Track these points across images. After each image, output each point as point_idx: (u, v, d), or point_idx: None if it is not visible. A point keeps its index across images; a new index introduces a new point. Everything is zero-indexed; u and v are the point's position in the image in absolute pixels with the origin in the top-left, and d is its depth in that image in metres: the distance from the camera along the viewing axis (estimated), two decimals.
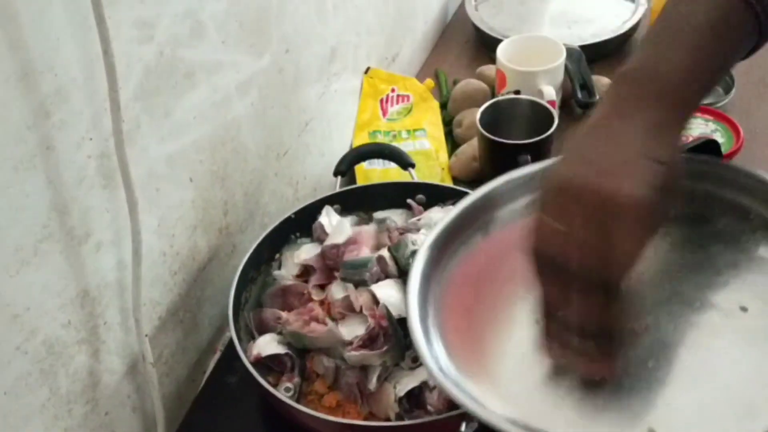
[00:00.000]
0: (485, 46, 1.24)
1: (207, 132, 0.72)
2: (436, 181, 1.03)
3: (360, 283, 0.70)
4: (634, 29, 1.23)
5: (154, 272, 0.68)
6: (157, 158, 0.66)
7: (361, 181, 0.98)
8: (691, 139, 0.98)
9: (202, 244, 0.75)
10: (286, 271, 0.76)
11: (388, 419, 0.66)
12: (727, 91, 1.11)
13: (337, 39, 0.95)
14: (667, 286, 0.56)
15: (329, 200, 0.81)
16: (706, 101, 1.09)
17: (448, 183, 1.03)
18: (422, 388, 0.65)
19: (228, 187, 0.77)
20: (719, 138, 1.00)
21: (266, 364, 0.69)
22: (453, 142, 1.09)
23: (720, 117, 1.03)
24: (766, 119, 1.08)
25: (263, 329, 0.72)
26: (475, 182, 1.02)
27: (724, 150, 0.97)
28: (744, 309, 0.54)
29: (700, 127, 1.02)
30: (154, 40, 0.62)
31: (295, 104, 0.87)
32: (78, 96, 0.55)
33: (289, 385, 0.67)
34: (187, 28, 0.66)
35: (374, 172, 1.01)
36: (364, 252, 0.74)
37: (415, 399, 0.66)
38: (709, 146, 0.90)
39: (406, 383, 0.66)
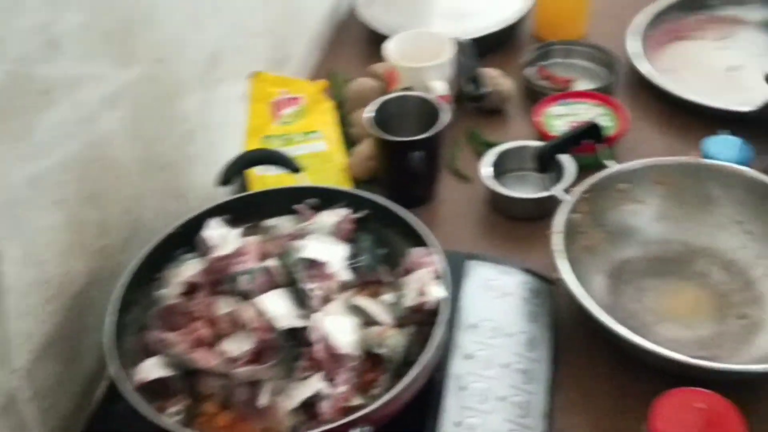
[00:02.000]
0: (378, 43, 1.23)
1: (73, 150, 0.68)
2: (334, 182, 1.02)
3: (246, 296, 0.68)
4: (521, 21, 1.25)
5: (23, 304, 0.64)
6: (16, 183, 0.62)
7: (254, 189, 0.96)
8: (575, 124, 1.01)
9: (78, 269, 0.71)
10: (170, 290, 0.73)
11: None
12: (612, 73, 1.13)
13: (218, 44, 0.92)
14: None
15: (215, 211, 0.78)
16: (593, 86, 1.11)
17: (347, 184, 1.02)
18: (315, 398, 0.64)
19: (103, 207, 0.74)
20: (606, 122, 1.02)
21: (153, 389, 0.66)
22: (350, 142, 1.08)
23: (605, 101, 1.06)
24: (651, 100, 1.11)
25: (148, 353, 0.69)
26: (373, 181, 1.02)
27: (610, 133, 1.00)
28: None
29: (586, 112, 1.04)
30: (3, 58, 0.58)
31: (175, 114, 0.84)
32: None
33: (177, 408, 0.65)
34: (40, 44, 0.62)
35: (268, 178, 0.99)
36: (252, 263, 0.72)
37: (309, 410, 0.64)
38: (592, 130, 0.92)
39: (298, 395, 0.64)
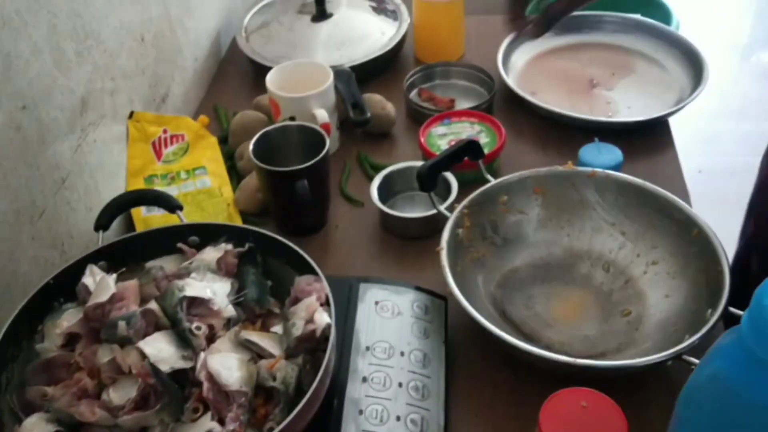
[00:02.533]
0: (262, 76, 1.23)
1: None
2: (223, 217, 1.01)
3: (125, 342, 0.66)
4: (400, 44, 1.28)
5: None
6: None
7: (139, 230, 0.94)
8: (454, 142, 1.04)
9: None
10: (50, 343, 0.70)
11: None
12: (490, 92, 1.17)
13: (86, 87, 0.90)
14: None
15: (94, 257, 0.76)
16: (471, 104, 1.15)
17: (236, 218, 1.01)
18: None
19: None
20: (484, 138, 1.06)
21: None
22: (237, 176, 1.08)
23: (484, 118, 1.09)
24: (527, 115, 1.16)
25: (30, 410, 0.66)
26: (261, 214, 1.02)
27: (488, 149, 1.03)
28: None
29: (466, 130, 1.07)
30: None
31: (45, 161, 0.81)
32: None
33: None
34: None
35: (154, 219, 0.97)
36: (132, 307, 0.70)
37: None
38: (471, 147, 0.95)
39: None
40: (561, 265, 0.92)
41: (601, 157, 0.98)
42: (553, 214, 0.94)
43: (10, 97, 0.75)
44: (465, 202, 0.89)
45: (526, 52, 1.27)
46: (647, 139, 1.11)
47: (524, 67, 1.25)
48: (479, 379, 0.81)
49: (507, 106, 1.18)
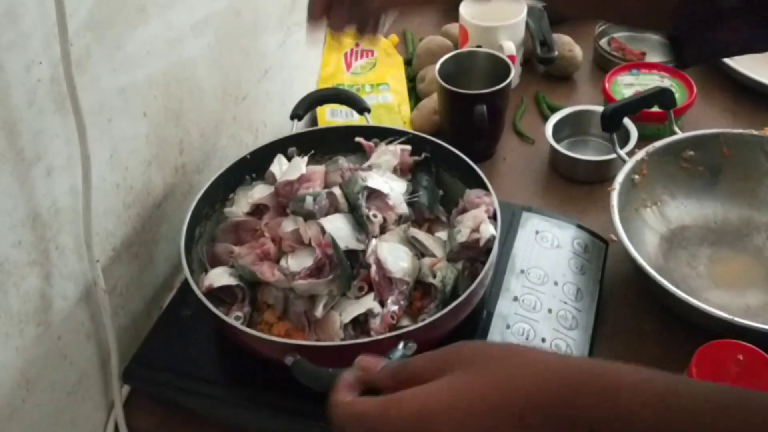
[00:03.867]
0: (452, 6, 1.25)
1: (161, 68, 0.73)
2: None
3: (309, 216, 0.72)
4: None
5: (107, 203, 0.70)
6: (108, 89, 0.67)
7: None
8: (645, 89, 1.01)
9: (158, 181, 0.77)
10: (238, 209, 0.78)
11: None
12: None
13: None
14: None
15: (285, 142, 0.83)
16: (661, 59, 1.11)
17: None
18: (367, 315, 0.68)
19: (184, 126, 0.79)
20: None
21: (218, 296, 0.71)
22: (416, 97, 1.11)
23: (675, 74, 1.06)
24: (721, 78, 1.10)
25: (216, 263, 0.74)
26: (435, 135, 1.05)
27: (677, 104, 1.00)
28: None
29: (654, 83, 1.04)
30: None
31: (254, 50, 0.89)
32: (27, 19, 0.57)
33: (239, 314, 0.69)
34: None
35: (336, 123, 1.03)
36: (318, 189, 0.76)
37: (360, 326, 0.68)
38: (663, 95, 0.92)
39: (351, 311, 0.68)
40: (734, 232, 0.88)
41: None
42: (738, 179, 0.90)
43: None
44: (648, 148, 0.87)
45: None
46: None
47: None
48: (627, 325, 0.81)
49: (700, 66, 1.13)
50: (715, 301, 0.82)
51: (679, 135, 0.89)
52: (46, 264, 0.64)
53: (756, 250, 0.87)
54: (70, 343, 0.69)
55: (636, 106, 0.89)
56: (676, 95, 1.02)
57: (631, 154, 0.89)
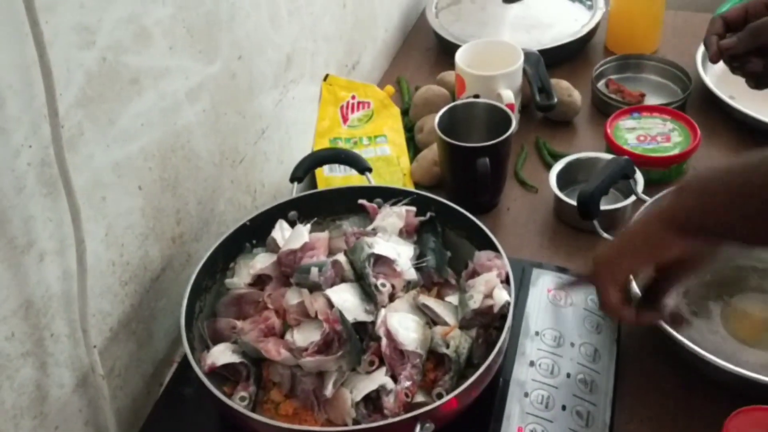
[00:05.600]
0: (446, 52, 1.24)
1: (156, 139, 0.71)
2: (397, 186, 1.03)
3: (315, 288, 0.69)
4: (592, 33, 1.24)
5: (103, 282, 0.67)
6: (102, 166, 0.64)
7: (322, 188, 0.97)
8: (643, 138, 1.00)
9: (155, 254, 0.74)
10: (239, 279, 0.75)
11: (345, 425, 0.64)
12: (685, 90, 1.12)
13: (293, 46, 0.94)
14: None
15: (285, 206, 0.80)
16: (662, 101, 1.10)
17: (410, 187, 1.03)
18: (379, 392, 0.64)
19: (180, 195, 0.76)
20: (676, 137, 1.01)
21: (221, 374, 0.68)
22: (415, 148, 1.09)
23: (677, 116, 1.04)
24: (723, 118, 1.09)
25: (218, 339, 0.71)
26: (436, 187, 1.03)
27: (679, 149, 0.98)
28: None
29: (657, 126, 1.03)
30: (96, 46, 0.61)
31: (250, 111, 0.86)
32: (15, 102, 0.54)
33: (244, 394, 0.66)
34: (131, 34, 0.65)
35: (335, 179, 1.01)
36: (322, 257, 0.73)
37: (372, 403, 0.65)
38: (625, 167, 0.89)
39: (363, 388, 0.65)
40: (729, 279, 0.86)
41: None
42: None
43: (230, 46, 0.80)
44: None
45: None
46: None
47: (725, 68, 1.16)
48: (648, 385, 0.77)
49: (701, 107, 1.11)
50: (756, 360, 0.78)
51: (649, 201, 0.86)
52: (41, 353, 0.61)
53: (757, 293, 0.84)
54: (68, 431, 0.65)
55: (607, 185, 0.86)
56: (679, 139, 1.01)
57: (641, 201, 0.87)
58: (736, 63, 0.86)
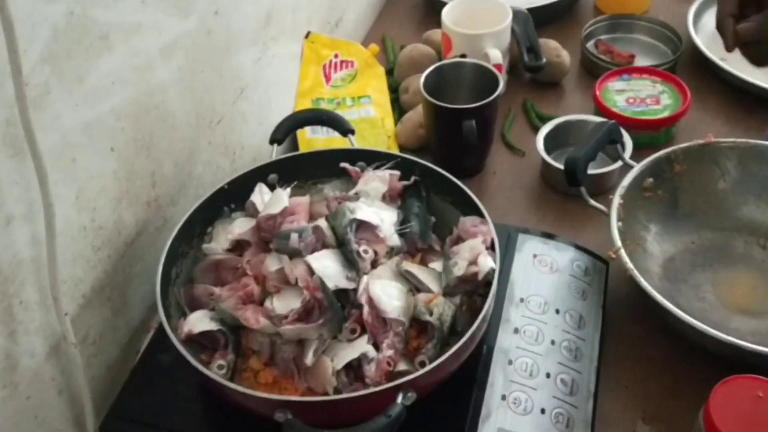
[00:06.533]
0: (433, 10, 1.20)
1: (128, 98, 0.68)
2: (382, 148, 1.01)
3: (295, 254, 0.67)
4: None
5: (75, 248, 0.64)
6: (71, 126, 0.61)
7: (304, 151, 0.95)
8: (632, 100, 0.98)
9: (129, 218, 0.71)
10: (217, 245, 0.72)
11: (326, 394, 0.63)
12: (675, 51, 1.09)
13: (272, 1, 0.90)
14: None
15: (265, 169, 0.78)
16: (653, 62, 1.08)
17: (394, 150, 1.00)
18: (360, 360, 0.63)
19: (155, 157, 0.73)
20: (665, 100, 0.99)
21: (199, 342, 0.66)
22: (400, 109, 1.06)
23: (667, 78, 1.02)
24: (714, 80, 1.07)
25: (195, 306, 0.69)
26: (421, 150, 1.00)
27: (668, 112, 0.96)
28: None
29: (647, 88, 1.01)
30: (62, 0, 0.58)
31: (228, 69, 0.83)
32: None
33: (222, 362, 0.64)
34: None
35: (317, 141, 0.98)
36: (302, 222, 0.71)
37: (353, 372, 0.64)
38: (612, 132, 0.87)
39: (344, 356, 0.63)
40: (716, 247, 0.84)
41: None
42: (696, 193, 0.86)
43: (206, 1, 0.76)
44: (619, 190, 0.81)
45: None
46: None
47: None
48: (634, 352, 0.77)
49: (692, 69, 1.09)
50: (745, 328, 0.77)
51: (635, 166, 0.84)
52: (10, 321, 0.59)
53: (743, 259, 0.83)
54: (41, 402, 0.64)
55: (593, 151, 0.83)
56: (669, 102, 0.99)
57: (627, 167, 0.85)
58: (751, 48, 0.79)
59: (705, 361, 0.72)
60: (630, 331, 0.78)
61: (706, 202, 0.86)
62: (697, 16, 1.14)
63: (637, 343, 0.78)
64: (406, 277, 0.70)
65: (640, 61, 1.10)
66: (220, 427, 0.67)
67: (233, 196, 0.76)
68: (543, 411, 0.67)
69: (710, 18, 1.16)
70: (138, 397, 0.69)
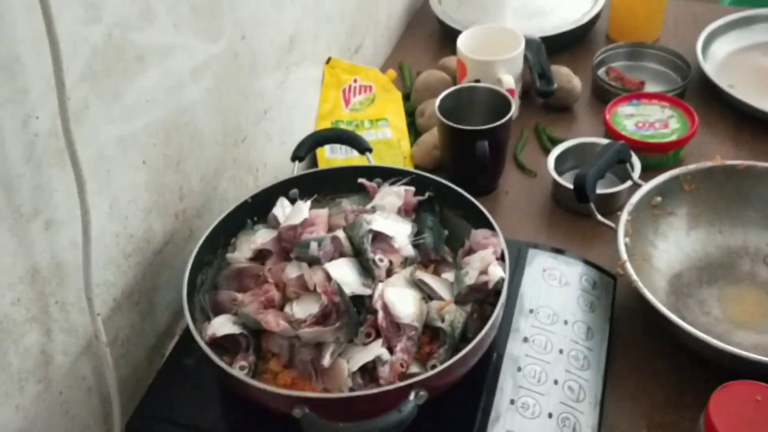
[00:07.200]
0: (449, 38, 1.25)
1: (160, 116, 0.72)
2: None
3: (314, 262, 0.70)
4: (593, 21, 1.25)
5: (107, 254, 0.69)
6: (107, 140, 0.66)
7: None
8: (642, 125, 1.01)
9: (158, 228, 0.75)
10: (240, 254, 0.76)
11: None
12: (684, 79, 1.13)
13: (295, 27, 0.95)
14: None
15: (287, 185, 0.82)
16: (662, 89, 1.11)
17: None
18: (375, 362, 0.66)
19: (184, 172, 0.78)
20: (674, 124, 1.02)
21: (222, 345, 0.70)
22: (416, 132, 1.11)
23: (676, 103, 1.05)
24: (722, 106, 1.10)
25: (219, 311, 0.73)
26: (436, 170, 1.04)
27: (676, 136, 1.00)
28: None
29: (656, 113, 1.04)
30: (102, 22, 0.62)
31: (253, 91, 0.88)
32: (24, 73, 0.56)
33: (243, 363, 0.68)
34: (137, 11, 0.66)
35: (336, 161, 1.02)
36: (321, 233, 0.74)
37: (368, 374, 0.67)
38: (621, 152, 0.90)
39: (359, 358, 0.66)
40: (722, 264, 0.87)
41: None
42: (703, 211, 0.89)
43: (234, 26, 0.81)
44: (627, 207, 0.84)
45: (728, 43, 1.21)
46: None
47: (724, 58, 1.19)
48: (640, 363, 0.79)
49: (700, 95, 1.13)
50: (749, 341, 0.79)
51: (644, 185, 0.87)
52: (46, 320, 0.63)
53: (749, 277, 0.86)
54: (72, 398, 0.67)
55: (603, 168, 0.87)
56: (677, 126, 1.02)
57: (636, 186, 0.88)
58: None
59: (710, 373, 0.74)
60: (636, 343, 0.81)
61: (714, 221, 0.89)
62: (706, 44, 1.18)
63: (643, 354, 0.80)
64: (419, 286, 0.73)
65: (650, 88, 1.14)
66: (241, 423, 0.70)
67: (256, 209, 0.80)
68: (550, 415, 0.69)
69: (719, 46, 1.20)
70: (163, 397, 0.72)
